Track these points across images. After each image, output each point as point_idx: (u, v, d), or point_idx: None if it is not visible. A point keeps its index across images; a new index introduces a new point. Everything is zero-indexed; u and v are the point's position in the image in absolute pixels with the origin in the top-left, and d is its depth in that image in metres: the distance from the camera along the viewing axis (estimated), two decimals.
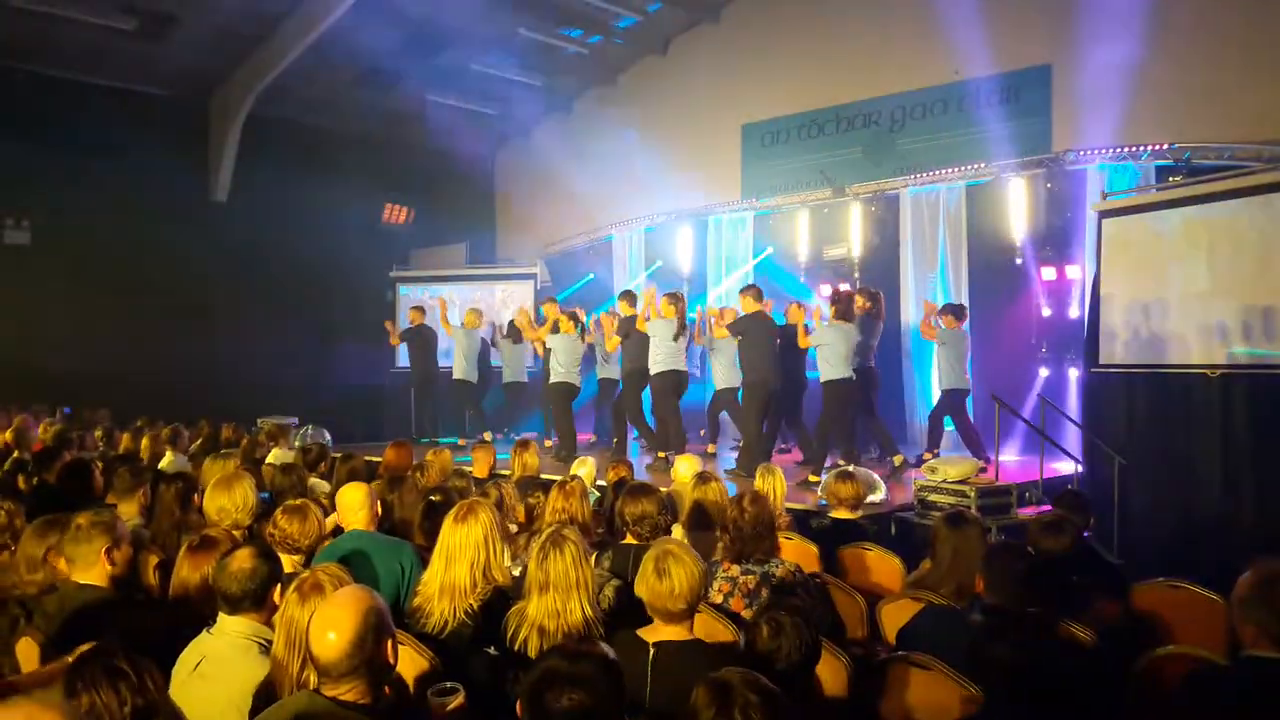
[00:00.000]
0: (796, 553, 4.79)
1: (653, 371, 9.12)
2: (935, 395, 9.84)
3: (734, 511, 3.98)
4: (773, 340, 8.56)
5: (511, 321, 12.12)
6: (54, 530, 3.58)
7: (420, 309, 12.42)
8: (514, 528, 4.81)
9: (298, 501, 4.17)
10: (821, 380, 8.58)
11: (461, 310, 12.32)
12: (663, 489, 4.65)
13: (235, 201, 14.05)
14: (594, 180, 14.63)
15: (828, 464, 8.31)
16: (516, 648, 3.08)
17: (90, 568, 3.39)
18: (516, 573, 3.83)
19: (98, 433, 9.39)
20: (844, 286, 11.67)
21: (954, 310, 9.24)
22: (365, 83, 13.89)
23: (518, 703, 2.14)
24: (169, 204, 13.11)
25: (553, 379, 9.99)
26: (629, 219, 13.73)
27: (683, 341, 9.13)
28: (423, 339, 12.17)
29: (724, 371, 9.70)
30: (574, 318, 10.16)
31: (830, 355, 8.45)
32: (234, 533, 4.14)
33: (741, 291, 8.96)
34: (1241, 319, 7.37)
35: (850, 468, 6.79)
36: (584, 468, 6.31)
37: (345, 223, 14.69)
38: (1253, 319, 7.32)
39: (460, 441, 11.29)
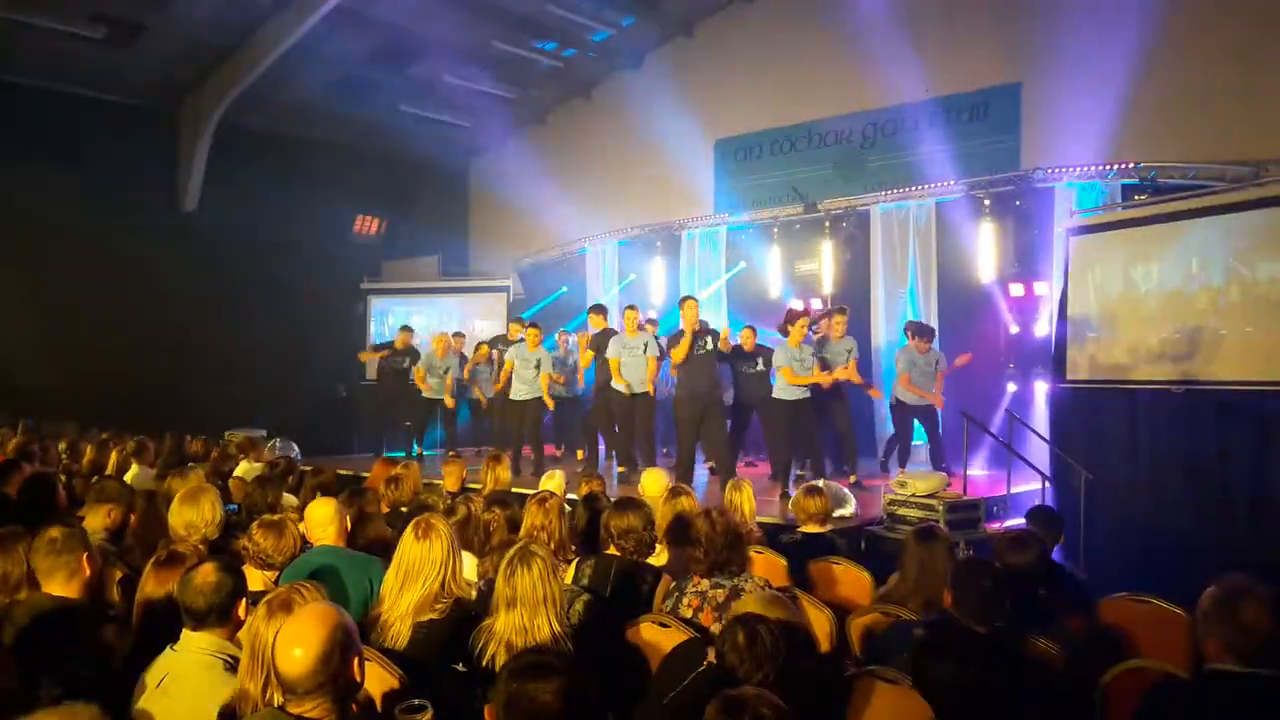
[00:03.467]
0: (765, 567, 4.80)
1: (639, 390, 9.05)
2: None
3: (704, 525, 3.99)
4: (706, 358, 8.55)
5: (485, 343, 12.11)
6: (8, 549, 3.51)
7: (409, 329, 12.19)
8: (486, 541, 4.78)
9: (274, 516, 4.13)
10: (778, 397, 8.72)
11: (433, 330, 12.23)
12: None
13: (205, 212, 13.93)
14: (567, 193, 14.65)
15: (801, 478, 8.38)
16: (484, 664, 3.05)
17: (68, 579, 3.34)
18: (472, 581, 3.82)
19: (61, 445, 9.25)
20: (816, 303, 11.79)
21: (922, 332, 9.30)
22: (337, 93, 13.85)
23: (487, 706, 2.16)
24: (137, 214, 12.99)
25: (526, 395, 9.94)
26: (602, 232, 13.74)
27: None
28: (402, 361, 11.90)
29: None
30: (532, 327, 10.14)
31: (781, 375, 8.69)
32: (199, 546, 4.10)
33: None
34: (1206, 335, 7.49)
35: (820, 482, 6.83)
36: (553, 481, 6.28)
37: (316, 234, 14.61)
38: (1217, 335, 7.43)
39: (415, 452, 11.26)
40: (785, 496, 7.93)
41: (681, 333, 8.42)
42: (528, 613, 3.07)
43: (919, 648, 2.75)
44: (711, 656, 2.83)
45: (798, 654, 2.74)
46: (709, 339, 8.49)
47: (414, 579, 3.37)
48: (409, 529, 3.51)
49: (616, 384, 8.95)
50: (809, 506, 5.43)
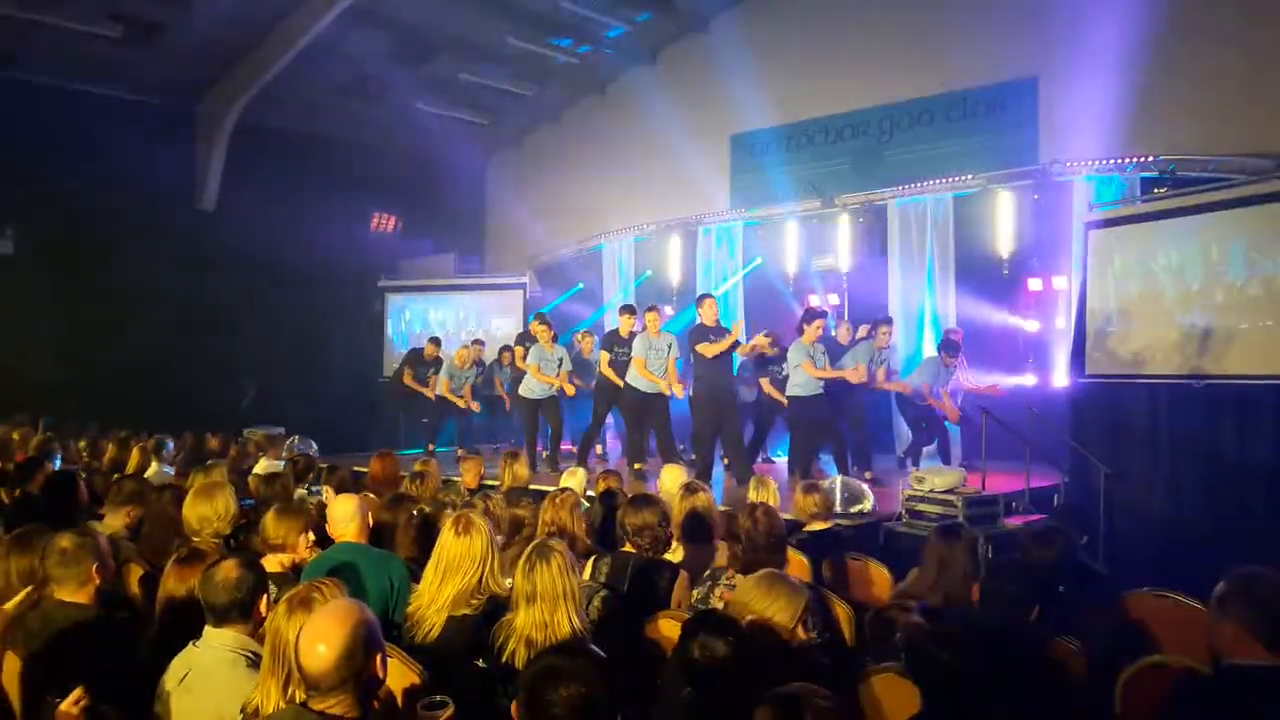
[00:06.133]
0: (792, 565, 4.80)
1: (653, 389, 9.08)
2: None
3: (747, 523, 3.99)
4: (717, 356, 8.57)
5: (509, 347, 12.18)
6: (32, 546, 3.55)
7: (437, 340, 12.23)
8: (500, 538, 4.79)
9: (286, 506, 4.19)
10: (795, 395, 8.77)
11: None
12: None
13: (223, 210, 14.00)
14: (583, 190, 14.67)
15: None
16: (504, 660, 3.07)
17: (77, 589, 3.37)
18: (508, 584, 3.83)
19: (81, 443, 9.33)
20: (833, 299, 11.78)
21: (950, 349, 9.34)
22: (354, 91, 13.89)
23: (514, 703, 2.17)
24: (156, 213, 13.07)
25: (544, 394, 9.99)
26: (618, 228, 13.72)
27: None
28: (428, 370, 11.97)
29: None
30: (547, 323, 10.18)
31: (797, 374, 8.71)
32: (214, 541, 4.14)
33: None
34: (1227, 330, 7.42)
35: (826, 480, 7.00)
36: (574, 478, 6.29)
37: (333, 232, 14.66)
38: (1237, 329, 7.37)
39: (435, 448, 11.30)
40: None
41: (704, 327, 8.46)
42: (548, 608, 3.08)
43: (915, 632, 2.75)
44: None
45: (763, 655, 2.77)
46: (724, 337, 8.53)
47: (454, 573, 3.40)
48: (448, 525, 3.53)
49: (637, 382, 8.98)
50: (808, 505, 5.46)
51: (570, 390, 9.91)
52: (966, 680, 2.52)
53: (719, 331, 8.56)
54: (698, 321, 8.68)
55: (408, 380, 11.79)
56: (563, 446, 10.47)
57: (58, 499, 5.27)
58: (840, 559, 4.96)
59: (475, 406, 11.53)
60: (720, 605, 3.76)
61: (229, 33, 12.19)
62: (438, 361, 11.94)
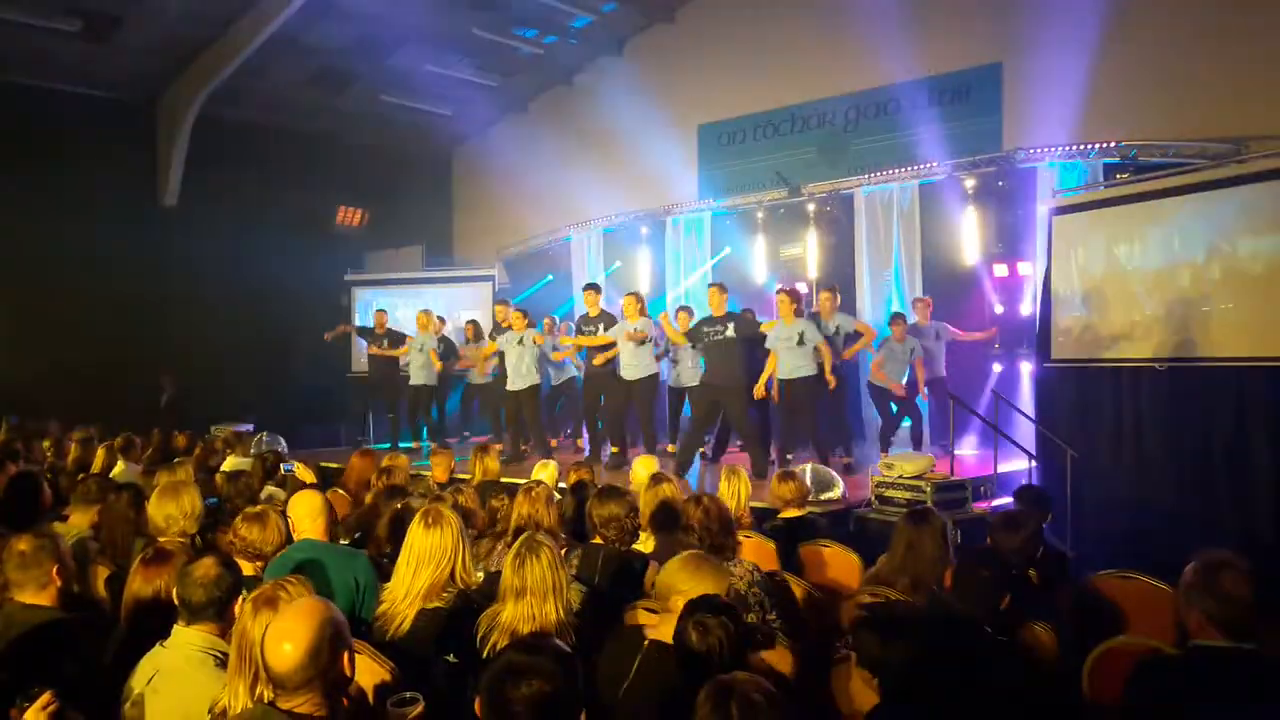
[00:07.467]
0: (755, 551, 4.81)
1: (634, 376, 9.10)
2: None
3: (697, 512, 4.01)
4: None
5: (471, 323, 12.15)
6: None
7: (383, 311, 12.26)
8: (473, 532, 4.78)
9: (256, 508, 4.13)
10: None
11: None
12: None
13: (186, 206, 13.80)
14: (551, 181, 14.60)
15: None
16: (486, 654, 3.05)
17: (38, 591, 3.32)
18: (480, 576, 3.82)
19: (45, 443, 9.20)
20: (801, 287, 11.80)
21: (897, 320, 9.40)
22: (317, 84, 13.75)
23: (476, 700, 2.15)
24: (118, 209, 12.89)
25: (520, 385, 9.95)
26: (587, 220, 13.68)
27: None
28: (383, 343, 11.97)
29: (689, 372, 9.66)
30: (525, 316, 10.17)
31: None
32: (180, 540, 4.09)
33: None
34: (1189, 313, 7.52)
35: (799, 466, 6.99)
36: (546, 470, 6.28)
37: (299, 226, 14.51)
38: (1199, 312, 7.47)
39: (414, 445, 11.24)
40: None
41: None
42: (537, 602, 3.09)
43: (858, 625, 2.77)
44: (650, 635, 2.95)
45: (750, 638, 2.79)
46: (729, 325, 8.45)
47: (426, 564, 3.40)
48: (417, 519, 3.53)
49: (623, 370, 9.04)
50: (784, 493, 5.50)
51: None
52: (910, 670, 2.55)
53: (721, 322, 8.54)
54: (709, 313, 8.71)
55: (371, 349, 12.03)
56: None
57: (20, 500, 5.19)
58: (812, 546, 4.99)
59: (405, 351, 11.56)
60: None
61: (189, 26, 12.00)
62: (392, 334, 12.00)
